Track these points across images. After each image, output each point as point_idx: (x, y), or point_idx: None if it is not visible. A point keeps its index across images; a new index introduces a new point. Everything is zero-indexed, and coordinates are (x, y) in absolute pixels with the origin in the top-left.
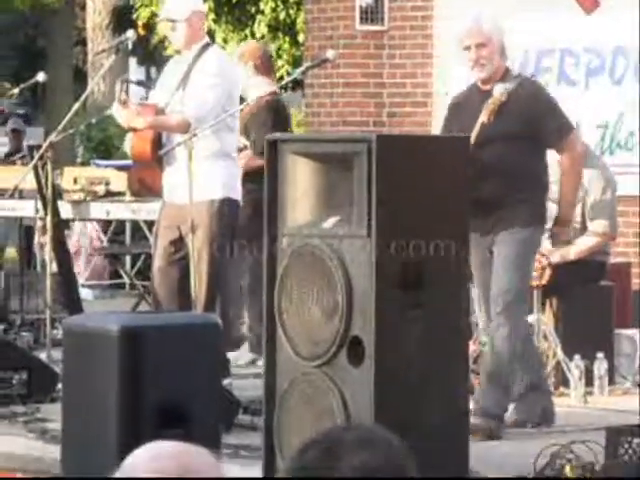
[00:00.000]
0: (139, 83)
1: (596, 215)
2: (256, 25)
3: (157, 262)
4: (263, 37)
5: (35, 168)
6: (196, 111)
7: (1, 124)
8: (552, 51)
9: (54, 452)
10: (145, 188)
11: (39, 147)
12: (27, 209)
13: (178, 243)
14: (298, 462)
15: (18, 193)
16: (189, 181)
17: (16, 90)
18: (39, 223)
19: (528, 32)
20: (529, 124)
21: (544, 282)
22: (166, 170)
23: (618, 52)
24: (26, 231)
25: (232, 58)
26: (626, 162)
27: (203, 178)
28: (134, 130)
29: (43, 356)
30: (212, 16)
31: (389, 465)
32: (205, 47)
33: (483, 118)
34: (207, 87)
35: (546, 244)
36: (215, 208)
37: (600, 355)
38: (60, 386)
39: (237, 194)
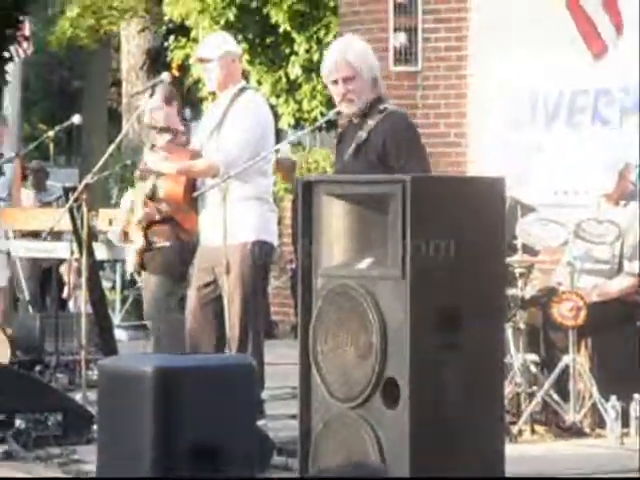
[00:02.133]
0: (168, 129)
1: (634, 256)
2: (290, 66)
3: (191, 304)
4: (297, 78)
5: (71, 210)
6: (225, 155)
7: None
8: (586, 91)
9: None
10: (183, 232)
11: (74, 189)
12: (62, 250)
13: (212, 285)
14: None
15: (53, 235)
16: (223, 224)
17: (51, 132)
18: (74, 264)
19: (561, 72)
20: (383, 157)
21: (580, 322)
22: (201, 213)
23: None
24: (44, 273)
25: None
26: None
27: (236, 221)
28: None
29: (78, 397)
30: (246, 57)
31: None
32: (241, 91)
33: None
34: (239, 131)
35: (583, 284)
36: (247, 250)
37: (637, 396)
38: (95, 427)
39: (271, 236)
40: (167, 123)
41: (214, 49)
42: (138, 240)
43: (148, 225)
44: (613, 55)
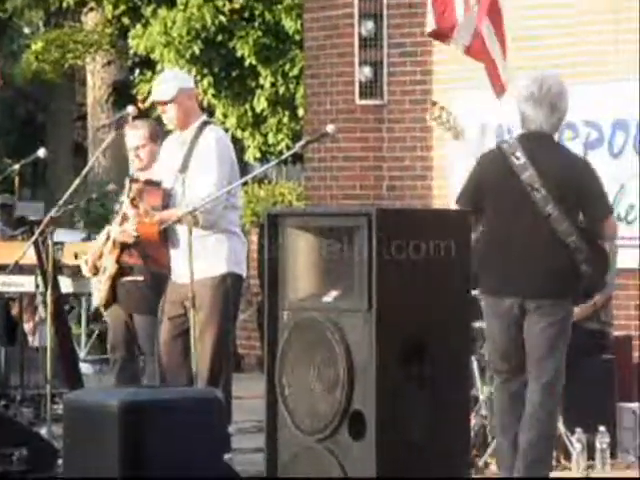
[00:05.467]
0: (147, 182)
1: None
2: (256, 100)
3: (162, 336)
4: (263, 111)
5: (36, 243)
6: (198, 201)
7: None
8: None
9: None
10: (155, 264)
11: (40, 222)
12: (27, 284)
13: (182, 318)
14: None
15: (18, 268)
16: (189, 257)
17: (17, 166)
18: (39, 298)
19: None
20: None
21: None
22: (171, 250)
23: (617, 125)
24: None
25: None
26: (626, 235)
27: (206, 255)
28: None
29: (44, 432)
30: (212, 91)
31: None
32: (202, 126)
33: None
34: (208, 174)
35: None
36: (218, 283)
37: (602, 429)
38: (61, 462)
39: (240, 269)
40: (151, 160)
41: (167, 90)
42: (110, 266)
43: (121, 252)
44: None
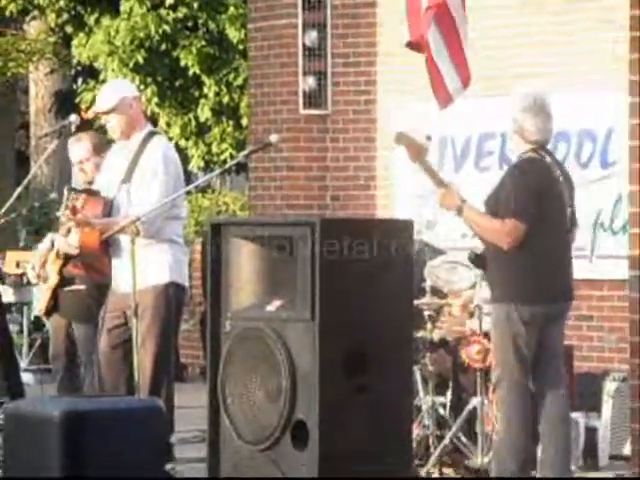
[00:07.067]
0: (86, 191)
1: None
2: (199, 109)
3: (101, 346)
4: (207, 121)
5: None
6: (142, 211)
7: None
8: (493, 135)
9: None
10: (97, 274)
11: None
12: None
13: (122, 328)
14: None
15: None
16: (132, 266)
17: None
18: None
19: (470, 116)
20: None
21: (487, 364)
22: (113, 260)
23: (559, 137)
24: None
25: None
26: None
27: (148, 264)
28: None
29: None
30: (155, 100)
31: None
32: (148, 137)
33: None
34: (152, 184)
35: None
36: (161, 292)
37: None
38: (0, 472)
39: (183, 279)
40: (96, 173)
41: (109, 99)
42: (52, 276)
43: (64, 262)
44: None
